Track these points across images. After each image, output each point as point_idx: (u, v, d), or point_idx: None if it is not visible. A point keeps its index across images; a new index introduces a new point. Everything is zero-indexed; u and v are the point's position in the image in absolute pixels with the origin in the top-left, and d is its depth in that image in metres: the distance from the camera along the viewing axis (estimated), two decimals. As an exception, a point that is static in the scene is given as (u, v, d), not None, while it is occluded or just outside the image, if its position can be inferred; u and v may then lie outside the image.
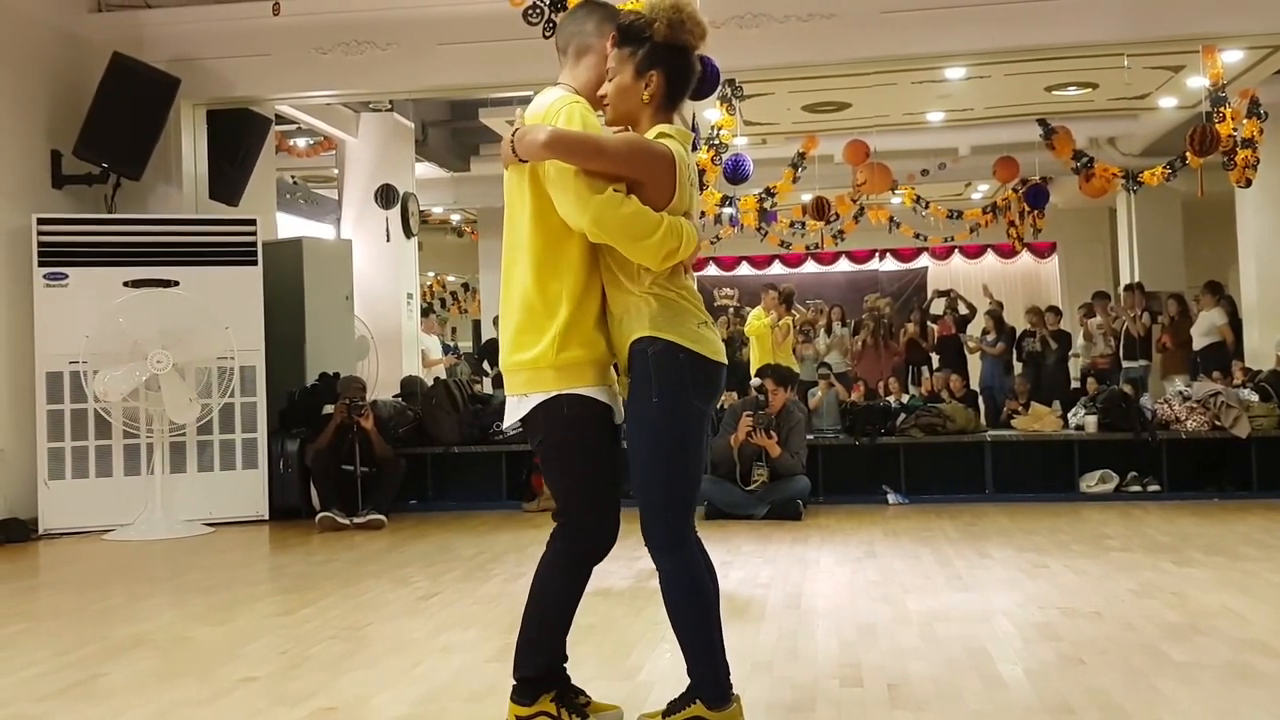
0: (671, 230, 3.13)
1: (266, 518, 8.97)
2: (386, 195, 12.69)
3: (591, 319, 3.26)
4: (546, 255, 3.22)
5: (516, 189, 3.27)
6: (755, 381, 9.33)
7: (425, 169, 15.38)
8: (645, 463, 3.22)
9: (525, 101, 3.69)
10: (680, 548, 3.23)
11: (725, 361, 3.31)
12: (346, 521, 8.42)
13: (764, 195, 14.29)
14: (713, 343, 3.27)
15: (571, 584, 3.37)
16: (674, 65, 3.25)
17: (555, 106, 3.22)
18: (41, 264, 8.61)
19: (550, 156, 3.11)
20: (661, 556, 3.24)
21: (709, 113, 10.46)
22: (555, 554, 3.36)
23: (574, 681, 3.49)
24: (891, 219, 17.36)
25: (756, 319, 12.63)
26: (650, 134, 3.23)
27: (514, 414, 3.34)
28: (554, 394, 3.24)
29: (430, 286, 22.82)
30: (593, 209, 3.07)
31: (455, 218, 21.38)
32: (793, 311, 12.84)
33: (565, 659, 3.46)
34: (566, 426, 3.26)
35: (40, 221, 8.65)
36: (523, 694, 3.37)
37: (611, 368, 3.35)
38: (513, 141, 3.18)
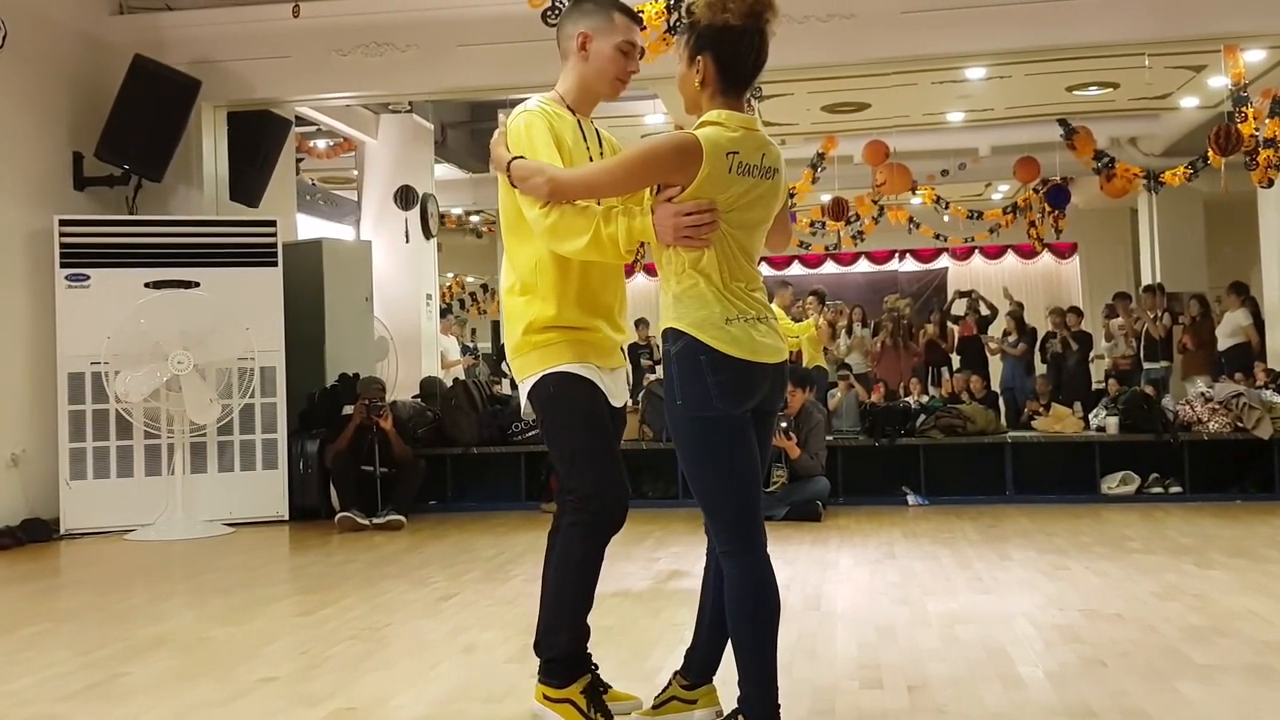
0: (606, 220, 3.13)
1: (286, 518, 9.00)
2: (406, 196, 12.72)
3: (566, 300, 3.33)
4: (517, 247, 3.38)
5: (500, 190, 3.39)
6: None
7: (444, 170, 15.40)
8: (687, 468, 3.18)
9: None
10: (740, 553, 3.12)
11: (760, 359, 3.11)
12: (366, 522, 8.44)
13: (783, 196, 14.24)
14: (742, 341, 3.08)
15: (589, 555, 3.34)
16: (721, 47, 3.13)
17: (507, 129, 3.34)
18: (63, 265, 8.66)
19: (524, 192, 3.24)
20: (723, 560, 3.16)
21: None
22: (567, 526, 3.35)
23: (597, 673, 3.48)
24: (911, 219, 17.33)
25: (781, 319, 12.32)
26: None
27: (523, 403, 3.42)
28: (539, 375, 3.34)
29: (449, 287, 22.82)
30: (533, 223, 3.22)
31: (474, 219, 21.41)
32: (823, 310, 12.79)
33: (589, 636, 3.44)
34: (554, 403, 3.34)
35: (62, 223, 8.69)
36: (551, 675, 3.35)
37: (603, 349, 3.40)
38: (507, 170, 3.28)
